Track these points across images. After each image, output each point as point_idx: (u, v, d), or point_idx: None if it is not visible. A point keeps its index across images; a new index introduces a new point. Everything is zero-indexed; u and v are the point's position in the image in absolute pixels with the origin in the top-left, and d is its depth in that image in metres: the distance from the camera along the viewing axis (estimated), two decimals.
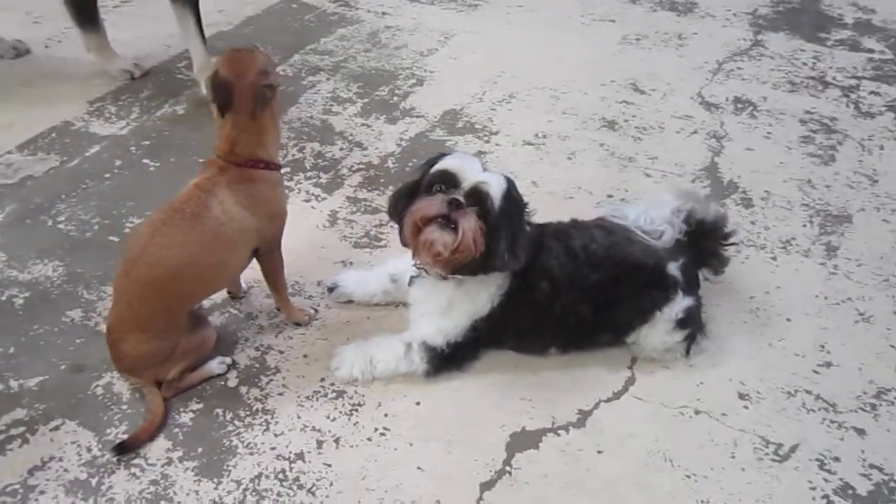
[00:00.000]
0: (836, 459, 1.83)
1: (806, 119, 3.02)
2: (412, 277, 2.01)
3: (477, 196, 1.77)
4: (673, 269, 1.95)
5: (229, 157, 1.85)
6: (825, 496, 1.75)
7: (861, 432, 1.89)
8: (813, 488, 1.77)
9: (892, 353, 2.09)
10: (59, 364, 1.98)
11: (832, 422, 1.91)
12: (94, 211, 2.46)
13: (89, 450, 1.79)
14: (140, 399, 1.89)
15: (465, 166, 1.81)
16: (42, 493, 1.70)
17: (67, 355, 2.01)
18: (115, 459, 1.76)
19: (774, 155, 2.82)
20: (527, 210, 1.89)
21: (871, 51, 3.51)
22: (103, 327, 2.05)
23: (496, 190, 1.77)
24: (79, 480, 1.73)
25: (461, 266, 1.80)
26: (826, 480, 1.78)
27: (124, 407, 1.89)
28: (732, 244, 2.11)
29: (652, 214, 2.01)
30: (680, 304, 1.95)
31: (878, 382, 2.01)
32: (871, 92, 3.21)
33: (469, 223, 1.74)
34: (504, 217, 1.78)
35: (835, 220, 2.53)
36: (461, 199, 1.76)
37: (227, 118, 1.83)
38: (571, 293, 1.91)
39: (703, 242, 2.05)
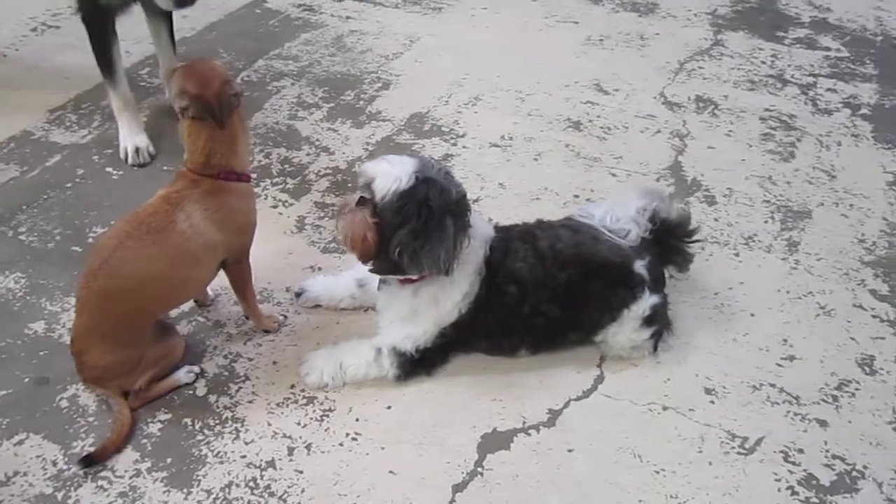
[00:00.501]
0: (801, 451, 1.87)
1: (766, 117, 3.08)
2: (380, 282, 2.01)
3: (370, 193, 1.78)
4: (639, 267, 1.98)
5: (204, 169, 1.83)
6: (790, 487, 1.79)
7: (824, 424, 1.93)
8: (778, 480, 1.80)
9: (853, 346, 2.14)
10: (23, 377, 1.96)
11: (796, 414, 1.95)
12: (57, 221, 2.42)
13: (55, 463, 1.77)
14: (107, 410, 1.87)
15: (375, 166, 1.80)
16: None
17: (31, 368, 1.98)
18: (81, 472, 1.74)
19: (736, 152, 2.87)
20: (454, 217, 1.80)
21: (827, 49, 3.58)
22: (68, 339, 2.03)
23: (382, 187, 1.75)
24: (44, 495, 1.71)
25: (369, 261, 1.84)
26: (790, 472, 1.82)
27: (91, 419, 1.86)
28: (696, 241, 2.14)
29: (618, 213, 2.04)
30: (647, 301, 1.97)
31: (840, 374, 2.06)
32: (828, 89, 3.28)
33: (350, 217, 1.80)
34: (395, 216, 1.75)
35: (795, 215, 2.58)
36: (366, 196, 1.78)
37: (200, 131, 1.81)
38: (540, 293, 1.93)
39: (668, 240, 2.08)
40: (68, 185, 2.57)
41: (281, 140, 2.82)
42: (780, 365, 2.07)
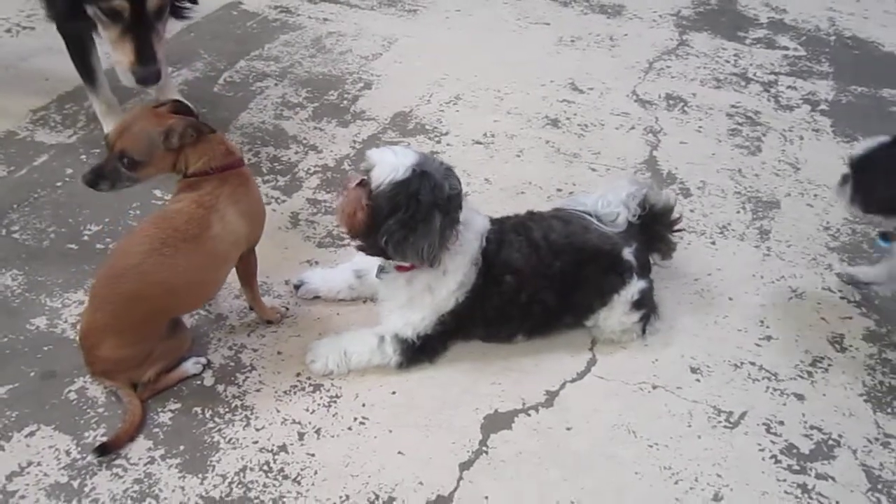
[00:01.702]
0: (781, 423, 1.99)
1: (732, 113, 3.23)
2: (379, 269, 2.08)
3: (368, 176, 1.86)
4: (627, 254, 2.08)
5: (231, 157, 1.89)
6: (773, 456, 1.91)
7: (801, 397, 2.06)
8: (762, 450, 1.92)
9: (823, 325, 2.28)
10: (28, 371, 1.98)
11: (775, 389, 2.08)
12: (49, 220, 2.43)
13: (68, 453, 1.80)
14: (115, 402, 1.90)
15: (378, 154, 1.88)
16: (23, 497, 1.71)
17: (36, 363, 2.00)
18: (96, 461, 1.77)
19: (706, 147, 3.01)
20: (443, 212, 1.85)
21: (785, 48, 3.76)
22: (71, 334, 2.07)
23: (379, 175, 1.83)
24: (60, 483, 1.74)
25: (357, 238, 1.92)
26: (773, 442, 1.94)
27: (100, 410, 1.90)
28: (680, 230, 2.25)
29: (609, 198, 2.14)
30: (635, 286, 2.08)
31: (813, 352, 2.19)
32: (789, 87, 3.45)
33: (348, 195, 1.88)
34: (387, 203, 1.82)
35: (765, 205, 2.72)
36: (366, 178, 1.86)
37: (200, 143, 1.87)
38: (536, 282, 2.02)
39: (654, 228, 2.19)
40: (58, 184, 2.58)
41: (269, 139, 2.86)
42: (758, 345, 2.20)
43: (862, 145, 2.12)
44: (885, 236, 2.22)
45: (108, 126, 2.69)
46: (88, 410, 1.89)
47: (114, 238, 2.38)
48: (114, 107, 2.74)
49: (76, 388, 1.94)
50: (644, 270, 2.14)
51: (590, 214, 2.16)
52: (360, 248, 1.97)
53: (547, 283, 2.03)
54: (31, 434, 1.83)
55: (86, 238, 2.38)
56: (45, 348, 2.04)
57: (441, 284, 1.98)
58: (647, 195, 2.16)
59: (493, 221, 2.10)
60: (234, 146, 1.95)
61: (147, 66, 2.30)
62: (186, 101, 2.28)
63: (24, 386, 1.94)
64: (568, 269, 2.04)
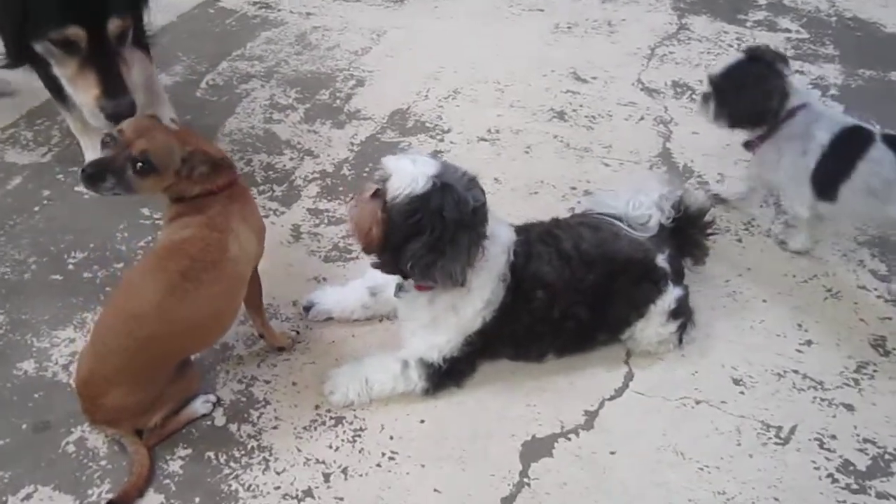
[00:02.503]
0: (833, 437, 1.87)
1: None
2: (398, 288, 1.92)
3: (384, 187, 1.69)
4: (661, 260, 1.95)
5: (232, 172, 1.73)
6: (829, 475, 1.79)
7: (850, 408, 1.95)
8: (817, 468, 1.81)
9: (863, 327, 2.17)
10: (20, 423, 1.80)
11: (822, 400, 1.96)
12: (29, 249, 2.24)
13: None
14: (120, 451, 1.74)
15: (394, 162, 1.72)
16: None
17: (27, 412, 1.82)
18: None
19: (719, 137, 2.85)
20: (469, 230, 1.71)
21: (787, 31, 3.64)
22: (63, 377, 1.89)
23: (395, 187, 1.67)
24: None
25: (372, 254, 1.76)
26: (828, 459, 1.83)
27: (103, 462, 1.73)
28: (714, 234, 2.13)
29: (640, 199, 2.00)
30: (671, 294, 1.95)
31: (856, 357, 2.08)
32: (796, 71, 3.31)
33: (359, 207, 1.72)
34: (403, 218, 1.66)
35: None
36: (380, 188, 1.70)
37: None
38: (568, 297, 1.88)
39: (687, 231, 2.06)
40: (35, 208, 2.38)
41: (260, 145, 2.68)
42: (799, 350, 2.08)
43: (720, 63, 2.28)
44: (747, 145, 2.33)
45: (87, 143, 2.43)
46: (90, 464, 1.72)
47: (101, 265, 2.19)
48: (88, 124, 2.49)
49: (74, 438, 1.77)
50: (679, 277, 2.01)
51: (618, 218, 2.02)
52: (375, 266, 1.81)
53: (580, 297, 1.89)
54: (29, 497, 1.66)
55: (71, 267, 2.19)
56: (36, 395, 1.86)
57: (466, 303, 1.83)
58: (683, 197, 2.03)
59: (518, 230, 1.96)
60: (230, 159, 1.78)
61: (117, 99, 1.99)
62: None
63: (15, 441, 1.76)
64: (601, 281, 1.90)
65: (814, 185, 2.20)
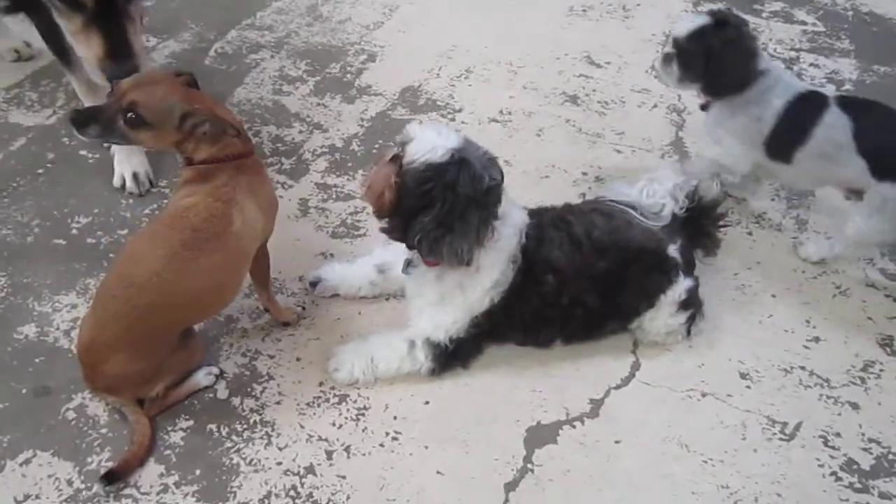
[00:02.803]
0: (838, 435, 1.86)
1: None
2: (406, 263, 1.90)
3: (402, 150, 1.68)
4: (673, 251, 1.93)
5: (247, 145, 1.70)
6: (833, 473, 1.79)
7: (855, 406, 1.94)
8: (821, 465, 1.80)
9: (871, 325, 2.15)
10: (20, 388, 1.78)
11: (828, 397, 1.95)
12: (32, 212, 2.21)
13: (70, 482, 1.62)
14: (120, 420, 1.72)
15: (418, 129, 1.70)
16: None
17: (27, 377, 1.80)
18: (103, 491, 1.59)
19: None
20: (480, 208, 1.69)
21: (804, 23, 3.60)
22: (65, 343, 1.87)
23: (413, 151, 1.65)
24: None
25: (382, 218, 1.74)
26: (832, 457, 1.82)
27: (103, 430, 1.71)
28: (727, 226, 2.10)
29: (654, 188, 1.98)
30: (682, 285, 1.93)
31: (863, 355, 2.06)
32: (811, 64, 3.29)
33: (377, 170, 1.70)
34: (415, 185, 1.65)
35: (799, 193, 2.58)
36: (399, 154, 1.68)
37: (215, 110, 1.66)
38: (579, 283, 1.86)
39: (699, 222, 2.04)
40: (39, 171, 2.35)
41: (269, 117, 2.64)
42: (806, 347, 2.07)
43: (683, 25, 2.23)
44: (705, 107, 2.35)
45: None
46: (90, 432, 1.70)
47: (105, 231, 2.16)
48: (96, 87, 2.38)
49: (74, 405, 1.75)
50: (689, 268, 1.99)
51: (631, 206, 2.00)
52: (383, 231, 1.79)
53: (590, 284, 1.87)
54: (27, 462, 1.64)
55: (74, 232, 2.16)
56: (37, 360, 1.84)
57: (474, 282, 1.81)
58: (698, 187, 2.00)
59: (531, 214, 1.93)
60: (246, 133, 1.75)
61: (121, 62, 1.91)
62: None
63: (15, 405, 1.74)
64: (612, 269, 1.88)
65: (767, 151, 2.22)
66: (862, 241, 2.18)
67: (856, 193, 2.21)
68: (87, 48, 1.93)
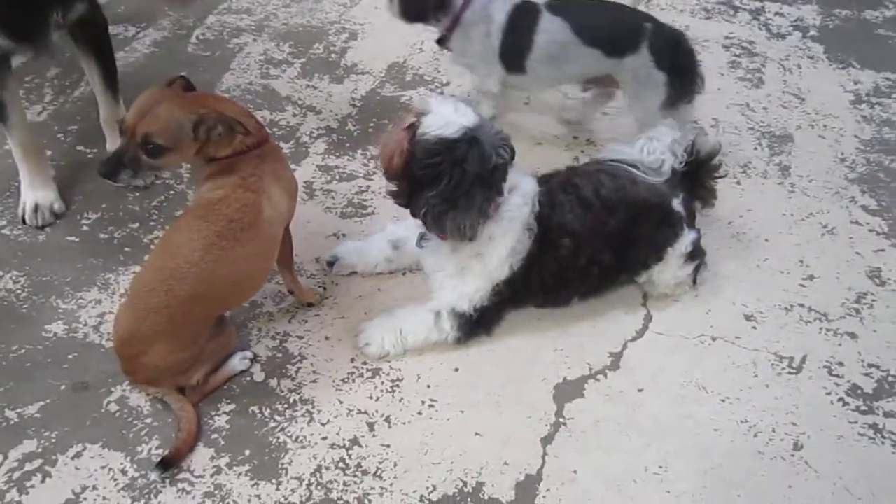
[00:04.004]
0: (840, 364, 1.99)
1: (728, 45, 3.16)
2: (420, 237, 1.95)
3: (418, 120, 1.75)
4: (677, 204, 2.02)
5: (262, 132, 1.73)
6: (840, 399, 1.91)
7: (853, 336, 2.06)
8: (828, 394, 1.92)
9: (860, 260, 2.28)
10: (58, 385, 1.81)
11: (828, 330, 2.07)
12: None
13: (124, 472, 1.66)
14: (163, 409, 1.76)
15: (436, 103, 1.78)
16: None
17: (63, 374, 1.83)
18: (159, 478, 1.64)
19: (710, 82, 2.87)
20: (484, 186, 1.75)
21: None
22: (95, 338, 1.90)
23: (428, 123, 1.73)
24: None
25: (391, 180, 1.81)
26: (837, 385, 1.94)
27: (148, 420, 1.75)
28: (721, 177, 2.20)
29: (654, 144, 2.05)
30: (687, 238, 2.02)
31: (856, 288, 2.19)
32: (776, 13, 3.40)
33: (393, 135, 1.77)
34: (424, 155, 1.71)
35: (779, 140, 2.69)
36: (415, 123, 1.75)
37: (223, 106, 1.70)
38: (593, 243, 1.94)
39: (697, 175, 2.13)
40: None
41: (261, 102, 2.66)
42: (802, 285, 2.19)
43: None
44: (440, 42, 2.45)
45: (24, 174, 2.17)
46: (135, 422, 1.74)
47: (117, 226, 2.18)
48: (31, 151, 2.18)
49: (115, 398, 1.79)
50: (692, 220, 2.08)
51: (632, 165, 2.07)
52: (390, 193, 1.85)
53: (603, 243, 1.95)
54: (78, 455, 1.68)
55: (85, 228, 2.17)
56: (70, 356, 1.86)
57: (491, 251, 1.88)
58: (696, 140, 2.09)
59: (539, 181, 1.99)
60: (260, 120, 1.77)
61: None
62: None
63: (56, 402, 1.77)
64: (622, 227, 1.96)
65: (504, 65, 2.38)
66: (646, 117, 2.36)
67: (597, 84, 2.49)
68: None
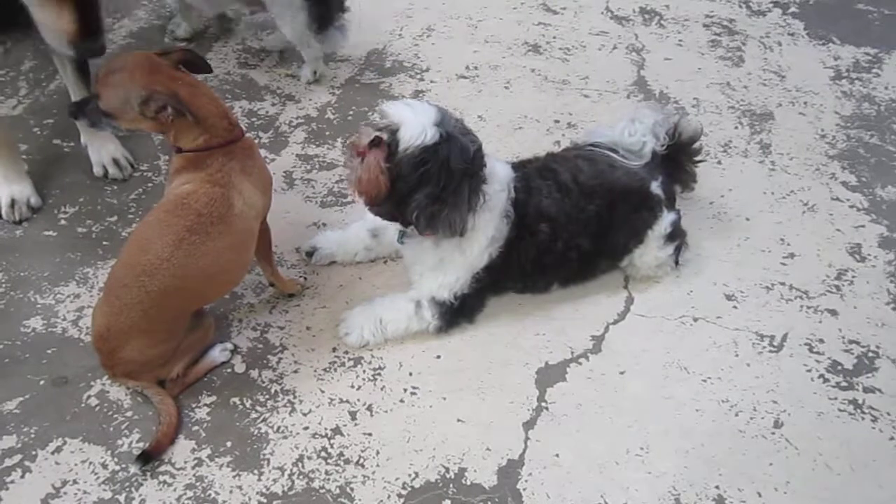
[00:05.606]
0: (821, 341, 2.00)
1: (708, 23, 3.15)
2: (401, 234, 1.95)
3: (390, 137, 1.69)
4: (656, 188, 2.02)
5: (234, 131, 1.71)
6: (821, 375, 1.92)
7: (834, 313, 2.07)
8: (809, 371, 1.93)
9: (840, 236, 2.29)
10: (37, 380, 1.80)
11: (808, 307, 2.08)
12: None
13: (105, 465, 1.65)
14: (143, 402, 1.75)
15: (399, 111, 1.71)
16: None
17: (42, 369, 1.82)
18: (139, 471, 1.63)
19: (691, 62, 2.94)
20: (470, 178, 1.74)
21: None
22: (74, 333, 1.89)
23: (408, 138, 1.67)
24: (104, 500, 1.60)
25: (375, 206, 1.76)
26: (818, 362, 1.96)
27: (128, 413, 1.75)
28: (701, 161, 2.19)
29: (635, 127, 2.05)
30: (666, 220, 2.02)
31: (836, 265, 2.20)
32: None
33: (368, 160, 1.69)
34: (412, 169, 1.68)
35: (760, 118, 2.69)
36: (382, 136, 1.69)
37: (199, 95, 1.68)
38: (571, 228, 1.93)
39: (677, 158, 2.13)
40: None
41: (239, 91, 2.63)
42: (783, 263, 2.19)
43: None
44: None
45: (2, 167, 2.13)
46: (115, 416, 1.74)
47: (95, 219, 2.16)
48: (4, 142, 2.13)
49: (95, 392, 1.78)
50: (671, 202, 2.08)
51: (612, 149, 2.07)
52: (374, 213, 1.83)
53: (581, 228, 1.95)
54: (59, 450, 1.67)
55: (63, 222, 2.15)
56: (49, 351, 1.85)
57: (471, 242, 1.87)
58: (679, 123, 2.08)
59: (514, 167, 1.99)
60: (235, 118, 1.75)
61: (93, 40, 1.81)
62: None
63: (36, 397, 1.76)
64: (601, 212, 1.96)
65: None
66: (296, 37, 2.55)
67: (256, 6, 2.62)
68: (56, 20, 1.79)
